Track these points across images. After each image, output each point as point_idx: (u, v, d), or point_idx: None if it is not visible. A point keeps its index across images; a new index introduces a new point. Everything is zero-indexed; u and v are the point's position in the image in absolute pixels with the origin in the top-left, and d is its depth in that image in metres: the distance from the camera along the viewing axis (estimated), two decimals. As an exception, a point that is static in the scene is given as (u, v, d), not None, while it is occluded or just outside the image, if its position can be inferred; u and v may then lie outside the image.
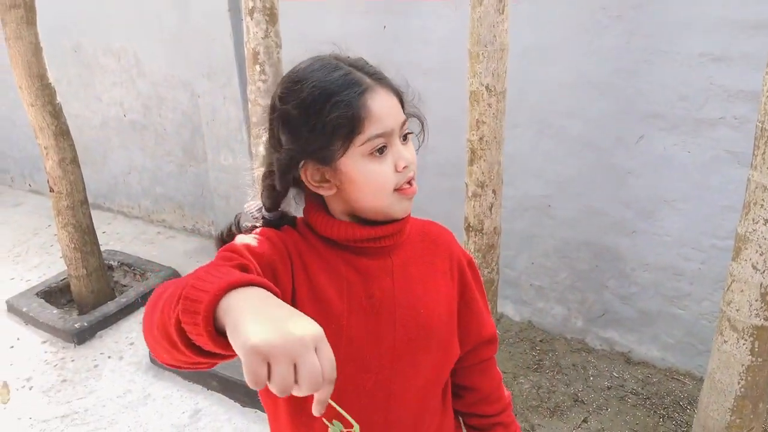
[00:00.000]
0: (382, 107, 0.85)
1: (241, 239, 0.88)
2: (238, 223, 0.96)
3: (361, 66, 0.89)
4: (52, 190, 2.96)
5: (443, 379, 1.01)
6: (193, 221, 4.00)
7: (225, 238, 0.94)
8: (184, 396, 2.63)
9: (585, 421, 2.38)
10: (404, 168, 0.88)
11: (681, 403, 2.44)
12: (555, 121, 2.47)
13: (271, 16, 2.20)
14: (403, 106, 0.91)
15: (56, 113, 2.83)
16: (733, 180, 2.11)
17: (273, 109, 0.90)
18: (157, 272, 3.46)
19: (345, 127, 0.84)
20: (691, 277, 2.38)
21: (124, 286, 3.50)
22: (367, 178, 0.86)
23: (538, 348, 2.78)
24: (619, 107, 2.32)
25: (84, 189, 3.04)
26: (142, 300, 3.26)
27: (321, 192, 0.91)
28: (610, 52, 2.27)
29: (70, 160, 2.91)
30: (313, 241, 0.93)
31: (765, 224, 1.59)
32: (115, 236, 4.07)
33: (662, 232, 2.38)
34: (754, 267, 1.64)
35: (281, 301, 0.66)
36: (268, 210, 0.95)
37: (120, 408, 2.59)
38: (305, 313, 0.82)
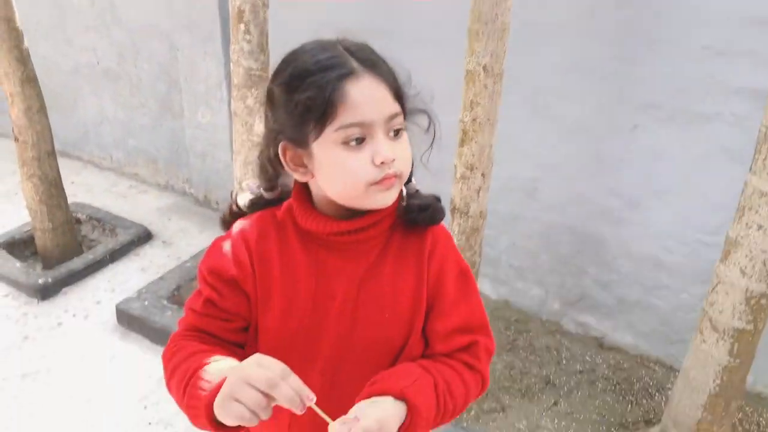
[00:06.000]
0: (362, 95, 0.81)
1: (207, 255, 0.96)
2: (236, 202, 1.00)
3: (355, 50, 0.84)
4: (17, 140, 2.80)
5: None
6: (167, 177, 3.87)
7: (228, 219, 1.00)
8: (151, 360, 2.57)
9: (555, 404, 2.40)
10: (382, 164, 0.83)
11: (650, 390, 2.47)
12: (549, 103, 2.40)
13: (260, -28, 2.06)
14: (401, 100, 0.86)
15: (23, 59, 2.65)
16: (724, 177, 2.08)
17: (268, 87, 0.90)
18: (127, 228, 3.35)
19: (316, 111, 0.81)
20: (671, 270, 2.38)
21: (92, 240, 3.39)
22: (338, 169, 0.84)
23: (512, 327, 2.78)
24: (616, 94, 2.25)
25: (51, 139, 2.88)
26: (111, 257, 3.16)
27: (297, 177, 0.90)
28: (611, 37, 2.19)
29: (37, 108, 2.75)
30: (288, 231, 0.94)
31: (758, 230, 1.57)
32: (85, 187, 3.92)
33: (648, 223, 2.36)
34: (742, 271, 1.63)
35: None
36: (265, 189, 0.97)
37: (84, 369, 2.52)
38: (267, 314, 0.94)
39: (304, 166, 0.88)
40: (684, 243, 2.31)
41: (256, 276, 0.92)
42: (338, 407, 0.81)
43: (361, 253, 0.92)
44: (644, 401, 2.43)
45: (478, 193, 2.01)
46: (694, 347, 1.83)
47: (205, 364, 0.85)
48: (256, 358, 0.77)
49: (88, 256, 3.12)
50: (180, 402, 0.86)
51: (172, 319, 2.64)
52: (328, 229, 0.90)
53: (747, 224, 1.58)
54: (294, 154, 0.88)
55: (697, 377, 1.82)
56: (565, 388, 2.46)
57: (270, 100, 0.88)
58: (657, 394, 2.46)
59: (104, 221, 3.42)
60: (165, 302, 2.76)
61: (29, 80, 2.69)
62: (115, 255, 3.19)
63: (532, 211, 2.61)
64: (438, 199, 0.96)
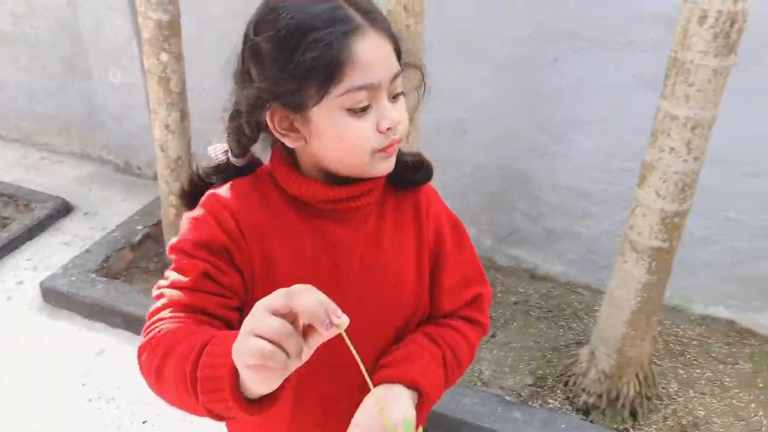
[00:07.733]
0: (370, 54, 0.74)
1: (186, 232, 0.83)
2: (199, 174, 0.90)
3: (354, 1, 0.76)
4: None
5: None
6: (82, 144, 3.65)
7: (188, 191, 0.90)
8: (84, 336, 2.48)
9: (493, 336, 2.50)
10: (388, 130, 0.78)
11: (579, 314, 2.62)
12: (475, 41, 2.39)
13: None
14: (399, 57, 0.80)
15: None
16: (641, 104, 2.15)
17: (245, 38, 0.78)
18: (44, 202, 3.16)
19: (321, 72, 0.73)
20: (596, 199, 2.49)
21: (6, 218, 3.18)
22: (342, 137, 0.77)
23: (449, 268, 2.85)
24: (540, 27, 2.27)
25: (-55, 112, 2.65)
26: (28, 234, 2.99)
27: (287, 142, 0.81)
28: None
29: (-77, 78, 2.51)
30: (274, 199, 0.86)
31: (670, 153, 1.65)
32: (-10, 163, 3.66)
33: (572, 155, 2.44)
34: (657, 193, 1.71)
35: None
36: (235, 155, 0.87)
37: (12, 353, 2.40)
38: (261, 290, 0.82)
39: (296, 131, 0.80)
40: (606, 171, 2.41)
41: (249, 247, 0.83)
42: (351, 374, 0.73)
43: (359, 219, 0.88)
44: (575, 325, 2.57)
45: (407, 138, 2.01)
46: (616, 269, 1.93)
47: (216, 334, 0.70)
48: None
49: (3, 235, 2.94)
50: (183, 386, 0.68)
51: (103, 292, 2.55)
52: (328, 196, 0.83)
53: (660, 148, 1.66)
54: (283, 118, 0.79)
55: (621, 296, 1.94)
56: (502, 320, 2.57)
57: (255, 56, 0.77)
58: (586, 317, 2.60)
59: (17, 196, 3.21)
60: (94, 275, 2.65)
61: None
62: (33, 231, 3.02)
63: (461, 152, 2.64)
64: (422, 155, 0.94)
